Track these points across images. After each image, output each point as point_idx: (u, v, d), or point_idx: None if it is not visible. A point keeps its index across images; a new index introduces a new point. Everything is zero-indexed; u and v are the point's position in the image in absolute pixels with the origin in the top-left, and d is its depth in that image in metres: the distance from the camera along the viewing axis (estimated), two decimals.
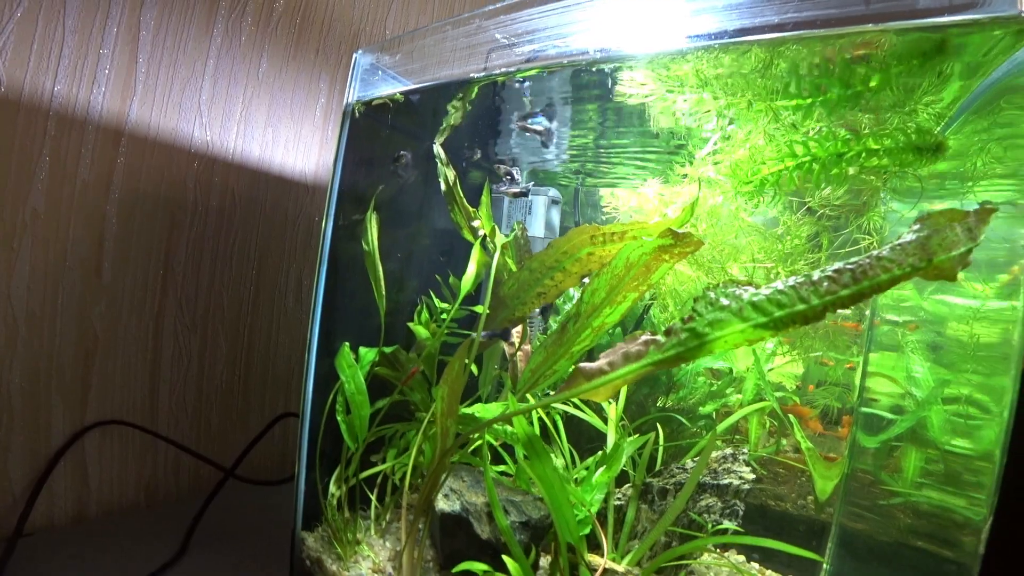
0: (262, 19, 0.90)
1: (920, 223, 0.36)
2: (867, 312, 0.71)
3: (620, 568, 0.61)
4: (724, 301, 0.40)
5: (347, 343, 0.68)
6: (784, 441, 0.84)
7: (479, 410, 0.60)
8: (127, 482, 0.83)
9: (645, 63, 0.51)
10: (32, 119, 0.70)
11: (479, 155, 0.84)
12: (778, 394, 0.81)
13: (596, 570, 0.59)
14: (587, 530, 0.61)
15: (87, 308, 0.77)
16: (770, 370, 0.84)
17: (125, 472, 0.83)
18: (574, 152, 0.84)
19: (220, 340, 0.92)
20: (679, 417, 0.80)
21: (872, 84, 0.51)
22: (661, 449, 0.77)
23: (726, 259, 0.64)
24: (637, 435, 0.73)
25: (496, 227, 0.66)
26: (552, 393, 0.75)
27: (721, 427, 0.77)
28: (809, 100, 0.53)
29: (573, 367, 0.45)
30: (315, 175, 1.04)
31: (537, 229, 0.79)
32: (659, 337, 0.42)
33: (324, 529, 0.70)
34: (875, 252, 0.37)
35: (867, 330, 0.72)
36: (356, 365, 0.66)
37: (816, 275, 0.37)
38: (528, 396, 0.64)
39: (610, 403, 0.75)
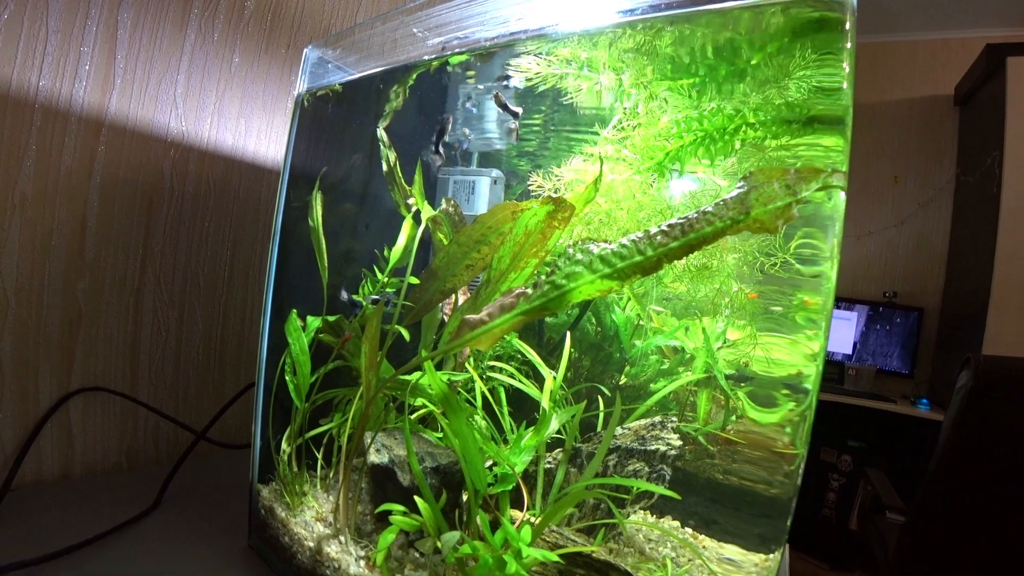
0: (233, 18, 0.97)
1: (744, 180, 0.40)
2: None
3: (535, 520, 0.65)
4: (578, 256, 0.44)
5: (295, 311, 0.74)
6: (734, 417, 0.88)
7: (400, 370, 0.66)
8: (109, 444, 0.90)
9: (534, 47, 0.56)
10: (19, 111, 0.78)
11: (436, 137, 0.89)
12: (729, 372, 0.84)
13: (515, 522, 0.64)
14: (510, 486, 0.66)
15: (71, 283, 0.85)
16: (719, 348, 0.88)
17: (107, 435, 0.90)
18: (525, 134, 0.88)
19: (197, 315, 1.00)
20: (602, 389, 0.83)
21: (753, 61, 0.54)
22: (601, 417, 0.81)
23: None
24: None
25: (428, 203, 0.72)
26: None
27: (652, 400, 0.81)
28: (699, 78, 0.57)
29: (460, 319, 0.50)
30: None
31: (480, 207, 0.84)
32: (528, 290, 0.47)
33: (276, 483, 0.76)
34: (704, 207, 0.41)
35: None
36: (301, 330, 0.72)
37: (653, 230, 0.42)
38: (450, 358, 0.69)
39: (552, 375, 0.80)
